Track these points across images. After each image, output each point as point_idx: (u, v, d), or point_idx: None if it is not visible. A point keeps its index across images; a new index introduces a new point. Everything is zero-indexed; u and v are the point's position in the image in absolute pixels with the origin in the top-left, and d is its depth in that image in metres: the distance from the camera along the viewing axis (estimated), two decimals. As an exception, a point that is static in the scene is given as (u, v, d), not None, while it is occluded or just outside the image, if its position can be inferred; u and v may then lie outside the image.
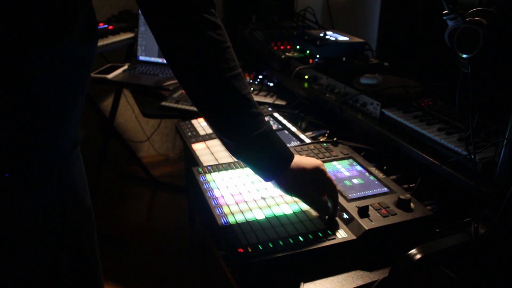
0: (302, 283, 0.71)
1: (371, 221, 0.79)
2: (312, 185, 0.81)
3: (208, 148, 1.16)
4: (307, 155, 1.01)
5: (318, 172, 0.81)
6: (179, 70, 0.79)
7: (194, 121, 1.34)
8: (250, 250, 0.72)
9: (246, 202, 0.86)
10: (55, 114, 0.72)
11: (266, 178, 0.81)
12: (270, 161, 0.79)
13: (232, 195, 0.88)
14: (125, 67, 2.06)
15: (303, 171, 0.80)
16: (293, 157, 0.80)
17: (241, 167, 0.98)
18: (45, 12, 0.64)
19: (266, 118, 0.81)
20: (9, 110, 0.65)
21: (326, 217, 0.82)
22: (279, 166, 0.79)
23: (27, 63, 0.64)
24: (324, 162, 1.00)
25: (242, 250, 0.72)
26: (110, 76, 1.93)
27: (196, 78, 0.78)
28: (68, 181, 0.82)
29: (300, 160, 0.81)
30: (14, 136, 0.68)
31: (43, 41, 0.65)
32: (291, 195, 0.82)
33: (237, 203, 0.85)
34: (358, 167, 0.99)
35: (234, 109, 0.77)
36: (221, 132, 0.80)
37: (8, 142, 0.67)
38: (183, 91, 1.71)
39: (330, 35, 1.60)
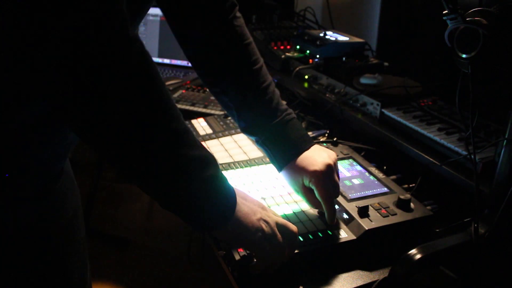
0: (301, 287, 0.71)
1: (371, 221, 0.79)
2: None
3: (208, 148, 1.16)
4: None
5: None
6: (203, 71, 0.86)
7: (194, 121, 1.34)
8: (250, 250, 0.72)
9: (246, 202, 0.86)
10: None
11: (278, 168, 0.84)
12: (282, 151, 0.82)
13: (232, 195, 0.88)
14: (125, 67, 2.05)
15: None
16: (306, 148, 0.81)
17: (241, 167, 0.98)
18: None
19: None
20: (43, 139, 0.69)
21: (318, 211, 0.83)
22: (290, 155, 0.81)
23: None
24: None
25: (242, 250, 0.72)
26: (110, 76, 1.92)
27: (221, 77, 0.84)
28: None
29: (312, 153, 0.81)
30: (30, 152, 0.70)
31: None
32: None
33: (237, 203, 0.85)
34: (358, 167, 0.99)
35: (253, 102, 0.82)
36: (244, 127, 0.85)
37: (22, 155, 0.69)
38: (183, 91, 1.72)
39: (330, 35, 1.60)
